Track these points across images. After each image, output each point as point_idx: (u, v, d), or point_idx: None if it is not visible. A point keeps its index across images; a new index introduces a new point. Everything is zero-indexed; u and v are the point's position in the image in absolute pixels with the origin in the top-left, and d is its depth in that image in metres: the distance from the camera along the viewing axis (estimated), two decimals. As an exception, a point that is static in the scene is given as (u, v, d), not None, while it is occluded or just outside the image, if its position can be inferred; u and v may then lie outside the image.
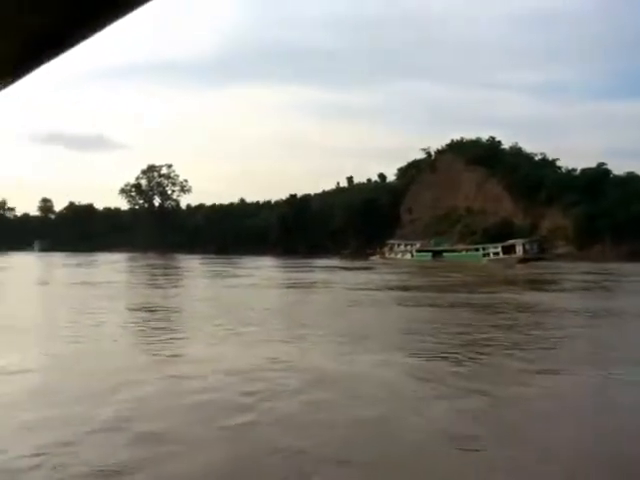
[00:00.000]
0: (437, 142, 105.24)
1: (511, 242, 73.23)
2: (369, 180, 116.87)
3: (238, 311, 22.84)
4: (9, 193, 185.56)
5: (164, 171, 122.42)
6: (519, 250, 71.30)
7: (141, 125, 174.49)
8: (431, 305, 25.59)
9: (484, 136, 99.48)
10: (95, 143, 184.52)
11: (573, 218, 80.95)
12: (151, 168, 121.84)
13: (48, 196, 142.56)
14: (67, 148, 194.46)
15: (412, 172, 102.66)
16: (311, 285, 39.12)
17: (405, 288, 36.43)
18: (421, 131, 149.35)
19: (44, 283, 41.96)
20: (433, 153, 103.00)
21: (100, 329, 18.56)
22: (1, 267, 58.82)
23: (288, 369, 12.36)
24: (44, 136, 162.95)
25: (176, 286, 38.36)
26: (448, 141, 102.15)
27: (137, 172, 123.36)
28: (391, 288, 35.84)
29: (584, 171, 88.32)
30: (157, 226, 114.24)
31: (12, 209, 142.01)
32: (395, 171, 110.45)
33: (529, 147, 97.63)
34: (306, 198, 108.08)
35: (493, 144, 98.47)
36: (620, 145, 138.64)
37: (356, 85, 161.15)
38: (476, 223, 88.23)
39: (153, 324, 19.76)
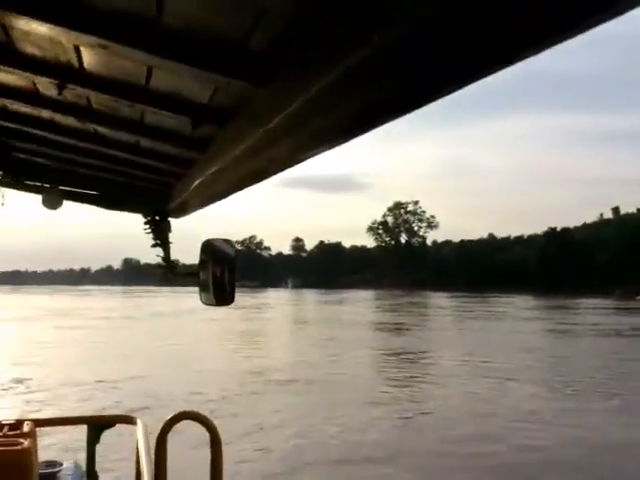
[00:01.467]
0: None
1: None
2: (639, 210, 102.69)
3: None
4: (265, 233, 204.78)
5: (410, 208, 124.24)
6: None
7: (387, 163, 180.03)
8: None
9: None
10: (342, 184, 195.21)
11: None
12: (398, 205, 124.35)
13: (300, 236, 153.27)
14: (315, 190, 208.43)
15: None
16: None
17: None
18: None
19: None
20: None
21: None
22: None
23: None
24: (292, 180, 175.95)
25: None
26: None
27: (383, 210, 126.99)
28: None
29: None
30: (402, 263, 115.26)
31: (268, 248, 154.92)
32: None
33: None
34: (567, 231, 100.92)
35: None
36: None
37: (612, 108, 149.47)
38: None
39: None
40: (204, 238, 2.51)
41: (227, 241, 2.58)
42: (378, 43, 0.87)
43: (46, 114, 2.24)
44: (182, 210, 2.97)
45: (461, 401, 13.96)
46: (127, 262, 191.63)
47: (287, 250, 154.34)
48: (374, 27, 0.86)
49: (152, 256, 3.11)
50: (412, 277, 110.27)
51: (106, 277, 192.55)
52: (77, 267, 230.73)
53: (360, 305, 61.59)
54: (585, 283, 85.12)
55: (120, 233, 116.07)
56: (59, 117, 2.26)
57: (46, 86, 1.87)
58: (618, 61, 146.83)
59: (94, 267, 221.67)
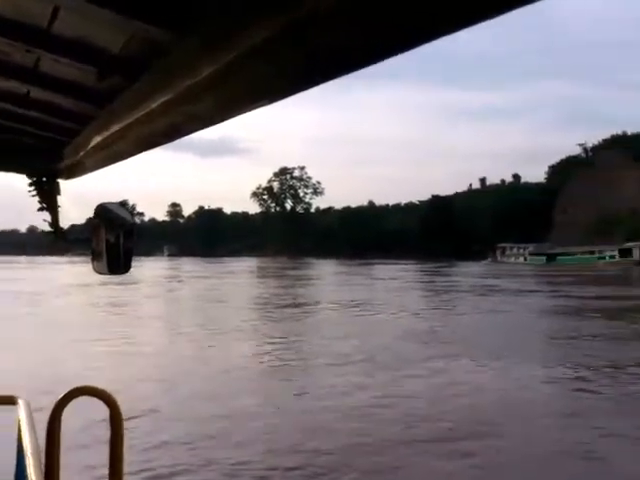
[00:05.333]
0: (570, 142, 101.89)
1: (629, 245, 72.18)
2: (503, 181, 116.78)
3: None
4: (139, 198, 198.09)
5: (296, 173, 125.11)
6: (636, 254, 70.50)
7: (265, 129, 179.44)
8: None
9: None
10: (224, 148, 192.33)
11: None
12: (283, 171, 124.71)
13: (178, 201, 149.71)
14: (194, 153, 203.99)
15: (567, 170, 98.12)
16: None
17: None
18: (552, 131, 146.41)
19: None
20: (590, 149, 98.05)
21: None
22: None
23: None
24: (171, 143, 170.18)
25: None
26: (606, 137, 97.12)
27: (267, 176, 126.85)
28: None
29: None
30: (288, 230, 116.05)
31: (141, 214, 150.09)
32: (528, 172, 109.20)
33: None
34: (449, 199, 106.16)
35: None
36: None
37: (485, 86, 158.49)
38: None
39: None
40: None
41: (123, 205, 2.48)
42: None
43: None
44: (74, 172, 2.80)
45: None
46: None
47: (163, 216, 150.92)
48: None
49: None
50: (297, 244, 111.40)
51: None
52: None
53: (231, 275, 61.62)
54: (465, 248, 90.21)
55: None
56: None
57: None
58: (503, 41, 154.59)
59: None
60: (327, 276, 55.09)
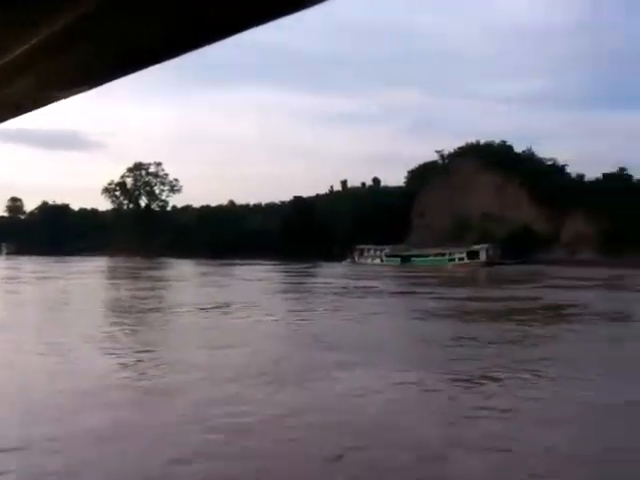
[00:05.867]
0: (429, 148, 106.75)
1: (476, 248, 77.15)
2: (363, 184, 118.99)
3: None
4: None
5: (152, 169, 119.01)
6: (482, 255, 75.42)
7: (120, 124, 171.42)
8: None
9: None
10: (69, 142, 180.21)
11: (598, 224, 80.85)
12: (138, 166, 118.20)
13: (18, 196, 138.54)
14: (36, 146, 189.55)
15: (424, 175, 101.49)
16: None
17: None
18: (411, 138, 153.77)
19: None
20: (446, 155, 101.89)
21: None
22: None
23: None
24: (12, 132, 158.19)
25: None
26: (461, 145, 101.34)
27: (118, 173, 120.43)
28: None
29: (607, 176, 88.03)
30: (143, 228, 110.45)
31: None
32: (387, 176, 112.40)
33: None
34: (311, 201, 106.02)
35: (508, 148, 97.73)
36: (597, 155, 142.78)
37: (341, 92, 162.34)
38: (493, 229, 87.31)
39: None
40: None
41: None
42: None
43: None
44: None
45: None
46: None
47: (1, 212, 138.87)
48: None
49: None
50: (152, 243, 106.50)
51: None
52: None
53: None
54: (328, 250, 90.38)
55: None
56: None
57: None
58: (348, 45, 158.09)
59: None
60: (189, 277, 52.17)
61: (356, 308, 26.80)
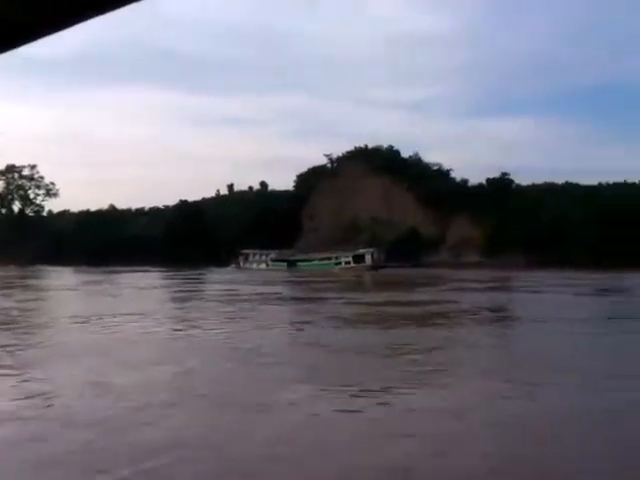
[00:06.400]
0: (314, 153, 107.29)
1: (361, 251, 78.91)
2: (250, 188, 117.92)
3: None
4: None
5: (26, 172, 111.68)
6: (368, 259, 76.94)
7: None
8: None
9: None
10: None
11: (482, 227, 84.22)
12: (11, 168, 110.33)
13: None
14: None
15: (313, 179, 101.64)
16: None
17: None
18: (298, 141, 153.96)
19: None
20: (335, 159, 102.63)
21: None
22: None
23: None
24: None
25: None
26: (350, 149, 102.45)
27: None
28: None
29: (490, 181, 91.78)
30: (16, 235, 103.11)
31: None
32: (275, 180, 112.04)
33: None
34: (197, 205, 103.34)
35: (395, 153, 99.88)
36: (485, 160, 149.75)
37: (229, 95, 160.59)
38: (382, 232, 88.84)
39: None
40: None
41: None
42: None
43: None
44: None
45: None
46: None
47: None
48: None
49: None
50: (27, 250, 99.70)
51: None
52: None
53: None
54: (216, 254, 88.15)
55: None
56: None
57: None
58: (236, 48, 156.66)
59: None
60: (72, 286, 48.68)
61: (281, 318, 25.73)
